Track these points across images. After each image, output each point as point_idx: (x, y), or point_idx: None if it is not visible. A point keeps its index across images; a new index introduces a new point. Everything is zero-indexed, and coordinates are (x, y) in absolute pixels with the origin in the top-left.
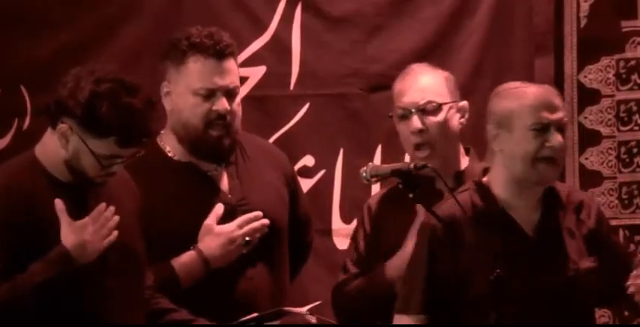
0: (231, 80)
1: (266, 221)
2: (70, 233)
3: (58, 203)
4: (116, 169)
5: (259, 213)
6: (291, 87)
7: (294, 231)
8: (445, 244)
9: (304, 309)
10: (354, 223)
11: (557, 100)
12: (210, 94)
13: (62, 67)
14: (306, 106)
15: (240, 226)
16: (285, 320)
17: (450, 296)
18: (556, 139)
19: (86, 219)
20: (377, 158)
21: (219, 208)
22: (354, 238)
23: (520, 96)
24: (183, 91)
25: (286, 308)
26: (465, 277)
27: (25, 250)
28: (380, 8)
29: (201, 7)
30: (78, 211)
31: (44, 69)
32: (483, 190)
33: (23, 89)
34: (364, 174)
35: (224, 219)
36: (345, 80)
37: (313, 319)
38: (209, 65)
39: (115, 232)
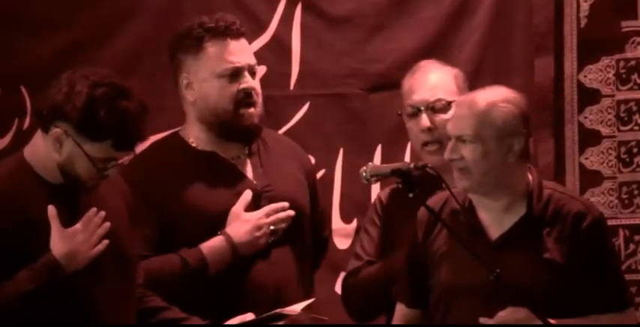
0: (250, 58)
1: (291, 212)
2: (59, 241)
3: (51, 209)
4: (110, 172)
5: (285, 204)
6: (291, 87)
7: (313, 226)
8: (423, 229)
9: (298, 308)
10: (355, 223)
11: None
12: (235, 74)
13: (62, 67)
14: (306, 106)
15: (268, 215)
16: (290, 320)
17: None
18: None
19: (76, 226)
20: (377, 158)
21: (247, 195)
22: (365, 227)
23: None
24: (207, 77)
25: (279, 310)
26: (431, 266)
27: (14, 254)
28: (380, 8)
29: (201, 7)
30: (68, 213)
31: (44, 69)
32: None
33: (23, 89)
34: (364, 174)
35: (250, 205)
36: (345, 80)
37: (307, 319)
38: (228, 46)
39: (105, 241)
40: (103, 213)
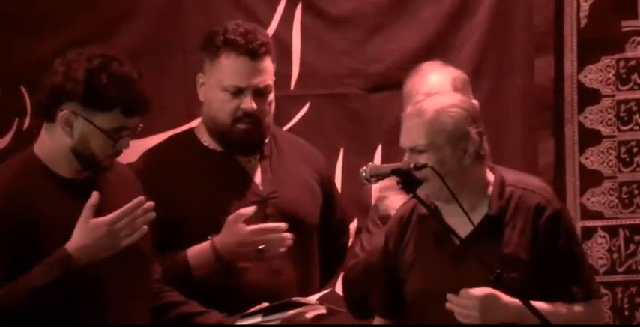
0: (261, 79)
1: (289, 235)
2: (80, 232)
3: (94, 196)
4: (124, 144)
5: (284, 225)
6: (291, 87)
7: (329, 234)
8: (394, 237)
9: (314, 298)
10: (355, 223)
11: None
12: (238, 92)
13: None
14: (306, 106)
15: (255, 233)
16: (290, 318)
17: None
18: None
19: (105, 218)
20: (377, 158)
21: (248, 210)
22: (366, 227)
23: None
24: (214, 85)
25: (296, 298)
26: (403, 274)
27: (27, 251)
28: (380, 8)
29: (201, 7)
30: (79, 208)
31: (44, 69)
32: None
33: (23, 89)
34: (364, 174)
35: (255, 211)
36: (345, 80)
37: (323, 308)
38: (240, 63)
39: (136, 235)
40: (151, 203)
